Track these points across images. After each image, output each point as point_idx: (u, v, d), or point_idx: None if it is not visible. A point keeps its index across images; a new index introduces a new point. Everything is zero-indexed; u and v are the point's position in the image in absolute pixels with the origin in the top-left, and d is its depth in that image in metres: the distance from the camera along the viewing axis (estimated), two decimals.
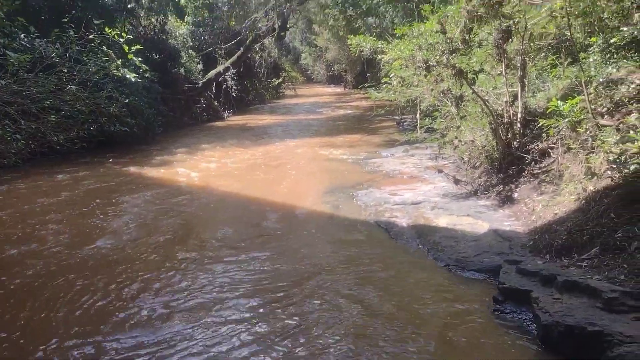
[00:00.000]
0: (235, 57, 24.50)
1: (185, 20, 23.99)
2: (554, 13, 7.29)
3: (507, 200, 7.81)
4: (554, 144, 7.58)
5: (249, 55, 27.45)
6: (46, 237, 7.54)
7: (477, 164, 9.59)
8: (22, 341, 4.68)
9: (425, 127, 11.89)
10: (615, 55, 6.58)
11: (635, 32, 6.13)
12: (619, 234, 4.91)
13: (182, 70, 20.98)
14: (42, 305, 5.37)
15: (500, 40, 8.27)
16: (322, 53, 45.33)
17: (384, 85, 12.19)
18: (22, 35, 11.29)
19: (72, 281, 5.96)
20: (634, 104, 6.31)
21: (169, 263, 6.47)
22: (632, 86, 6.75)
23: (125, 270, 6.27)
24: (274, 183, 10.94)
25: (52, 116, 10.16)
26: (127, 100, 13.18)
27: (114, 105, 12.35)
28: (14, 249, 7.04)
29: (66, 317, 5.10)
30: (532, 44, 8.69)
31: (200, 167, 12.57)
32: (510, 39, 8.32)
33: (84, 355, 4.44)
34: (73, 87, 10.80)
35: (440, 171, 9.85)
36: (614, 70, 6.68)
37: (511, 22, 7.92)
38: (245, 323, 4.89)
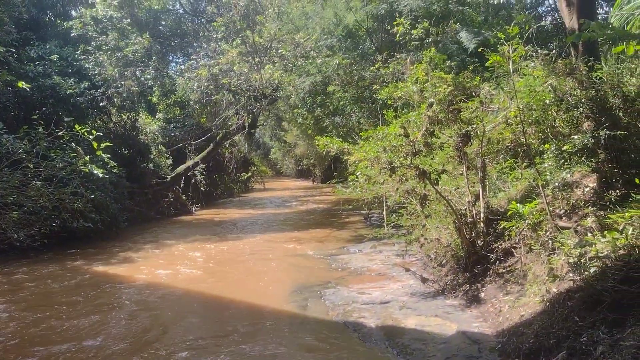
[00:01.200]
0: (205, 152, 24.85)
1: (157, 116, 24.49)
2: (509, 120, 7.74)
3: (474, 300, 7.81)
4: (517, 243, 7.75)
5: (219, 151, 27.92)
6: None
7: (444, 261, 9.67)
8: None
9: (392, 223, 12.04)
10: (568, 161, 6.94)
11: (585, 141, 6.52)
12: (584, 338, 4.92)
13: (150, 165, 21.12)
14: None
15: (461, 144, 8.65)
16: (291, 148, 46.37)
17: (350, 183, 12.45)
18: None
19: None
20: (590, 207, 6.58)
21: None
22: (587, 190, 7.08)
23: None
24: (240, 281, 10.74)
25: (15, 212, 9.95)
26: (92, 196, 13.05)
27: (79, 201, 12.19)
28: None
29: None
30: (490, 147, 9.12)
31: (163, 265, 12.28)
32: (470, 142, 8.72)
33: None
34: (38, 182, 10.68)
35: (407, 270, 9.86)
36: (568, 175, 7.03)
37: (470, 127, 8.34)
38: None
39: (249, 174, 34.52)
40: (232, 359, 6.49)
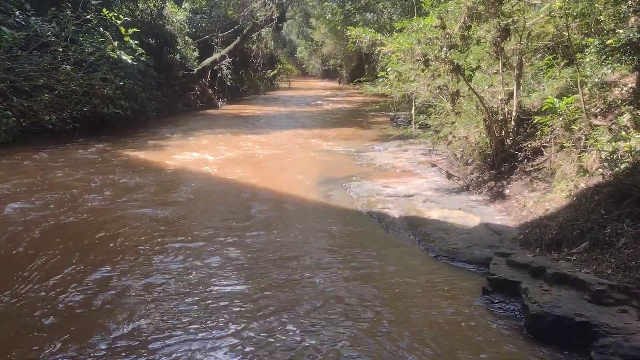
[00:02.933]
0: (231, 45, 24.40)
1: (183, 6, 23.85)
2: (552, 13, 7.37)
3: (498, 195, 7.90)
4: (547, 142, 7.67)
5: (245, 45, 27.37)
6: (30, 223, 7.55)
7: (470, 160, 9.66)
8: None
9: (420, 123, 11.95)
10: (610, 58, 6.65)
11: (631, 35, 6.20)
12: (608, 230, 5.00)
13: (177, 56, 20.88)
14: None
15: (499, 39, 8.33)
16: (318, 47, 45.29)
17: (380, 80, 12.23)
18: (18, 12, 11.15)
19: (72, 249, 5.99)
20: (626, 106, 6.40)
21: (152, 249, 6.50)
22: (625, 89, 6.86)
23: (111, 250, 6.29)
24: (267, 171, 10.95)
25: (46, 95, 10.09)
26: (121, 83, 13.10)
27: (109, 87, 12.26)
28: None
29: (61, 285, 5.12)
30: (529, 44, 8.76)
31: (192, 154, 12.53)
32: (509, 38, 8.38)
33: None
34: (68, 66, 10.70)
35: (433, 165, 9.92)
36: (609, 71, 6.77)
37: (510, 20, 7.98)
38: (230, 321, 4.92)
39: (275, 71, 33.96)
40: (253, 244, 6.76)
